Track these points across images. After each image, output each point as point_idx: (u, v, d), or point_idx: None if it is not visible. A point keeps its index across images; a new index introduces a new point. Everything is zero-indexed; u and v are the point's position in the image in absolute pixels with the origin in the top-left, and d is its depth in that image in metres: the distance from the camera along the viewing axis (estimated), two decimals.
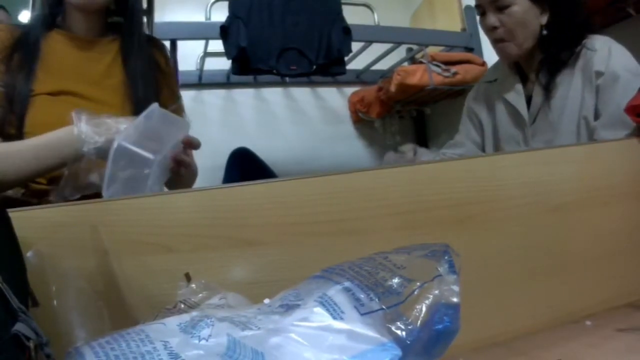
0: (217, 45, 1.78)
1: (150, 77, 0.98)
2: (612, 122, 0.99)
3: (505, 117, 1.19)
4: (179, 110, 1.08)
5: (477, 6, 1.14)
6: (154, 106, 0.76)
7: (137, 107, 0.95)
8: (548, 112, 1.10)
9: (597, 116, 1.04)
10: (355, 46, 1.92)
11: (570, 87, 1.07)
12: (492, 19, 1.09)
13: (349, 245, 0.61)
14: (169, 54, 1.11)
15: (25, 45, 0.88)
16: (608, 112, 1.01)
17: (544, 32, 1.09)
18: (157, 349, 0.32)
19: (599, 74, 1.03)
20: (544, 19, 1.09)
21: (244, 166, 1.87)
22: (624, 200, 0.81)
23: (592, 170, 0.79)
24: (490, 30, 1.11)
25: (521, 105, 1.15)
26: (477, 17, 1.18)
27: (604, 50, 1.04)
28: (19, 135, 0.86)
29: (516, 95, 1.17)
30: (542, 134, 1.11)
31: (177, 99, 1.08)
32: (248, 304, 0.45)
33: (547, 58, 1.10)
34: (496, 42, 1.12)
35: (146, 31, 1.04)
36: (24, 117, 0.86)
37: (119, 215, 0.56)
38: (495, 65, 1.31)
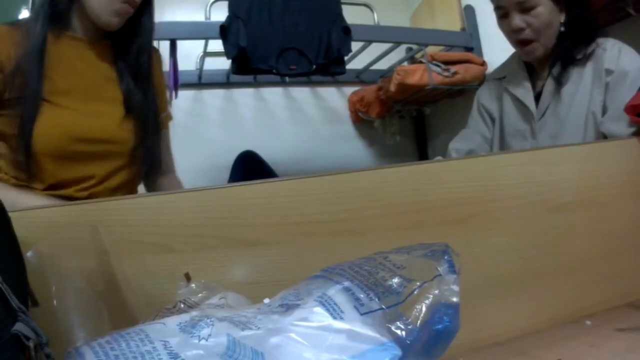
0: (216, 45, 1.78)
1: (147, 83, 0.99)
2: (618, 115, 1.01)
3: (514, 112, 1.21)
4: (167, 118, 1.11)
5: (499, 7, 1.14)
6: None
7: (131, 107, 0.95)
8: (556, 107, 1.12)
9: (604, 112, 1.06)
10: (355, 46, 1.92)
11: (580, 83, 1.09)
12: (518, 20, 1.09)
13: (349, 245, 0.61)
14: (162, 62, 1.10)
15: (31, 47, 0.86)
16: (615, 106, 1.03)
17: (561, 29, 1.11)
18: (157, 349, 0.32)
19: (609, 72, 1.05)
20: (562, 17, 1.11)
21: (248, 169, 1.85)
22: (624, 200, 0.81)
23: (593, 170, 0.79)
24: (515, 32, 1.12)
25: (529, 100, 1.17)
26: (496, 19, 1.18)
27: (614, 50, 1.06)
28: (28, 139, 0.85)
29: (524, 91, 1.19)
30: (549, 128, 1.14)
31: (167, 106, 1.10)
32: (248, 304, 0.45)
33: (561, 53, 1.12)
34: (521, 43, 1.13)
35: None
36: (34, 121, 0.85)
37: (119, 215, 0.56)
38: (504, 63, 1.33)
